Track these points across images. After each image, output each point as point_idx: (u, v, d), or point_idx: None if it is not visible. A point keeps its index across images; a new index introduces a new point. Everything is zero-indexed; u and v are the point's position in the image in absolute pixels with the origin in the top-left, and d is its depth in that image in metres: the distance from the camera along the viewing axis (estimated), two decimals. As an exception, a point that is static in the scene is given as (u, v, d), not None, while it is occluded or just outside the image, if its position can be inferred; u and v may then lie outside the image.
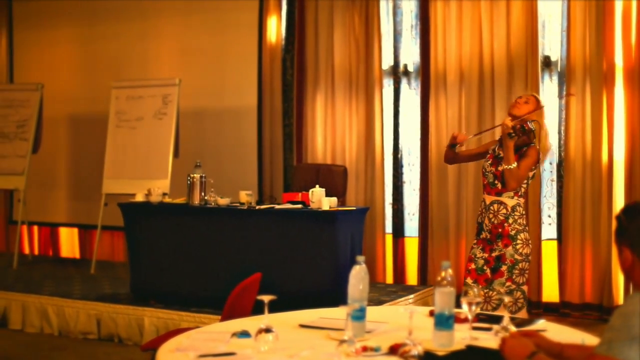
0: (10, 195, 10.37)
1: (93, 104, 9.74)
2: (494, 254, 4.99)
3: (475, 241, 5.15)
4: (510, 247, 4.95)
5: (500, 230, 4.98)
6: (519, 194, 5.01)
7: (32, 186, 9.60)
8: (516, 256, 4.94)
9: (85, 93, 9.91)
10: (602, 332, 2.42)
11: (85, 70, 10.01)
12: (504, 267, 4.96)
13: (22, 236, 9.92)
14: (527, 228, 5.05)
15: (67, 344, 6.79)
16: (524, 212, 5.05)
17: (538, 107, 5.09)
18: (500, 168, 4.99)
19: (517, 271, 4.95)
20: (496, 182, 5.02)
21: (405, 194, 8.50)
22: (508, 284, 4.95)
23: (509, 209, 4.97)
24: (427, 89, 8.25)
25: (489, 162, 5.10)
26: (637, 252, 2.46)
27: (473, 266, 5.07)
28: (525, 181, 5.03)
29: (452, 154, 5.33)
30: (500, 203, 5.00)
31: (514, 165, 4.90)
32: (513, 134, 4.90)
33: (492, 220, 5.01)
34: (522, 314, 4.96)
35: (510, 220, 4.97)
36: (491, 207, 5.02)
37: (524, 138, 4.99)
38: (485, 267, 5.01)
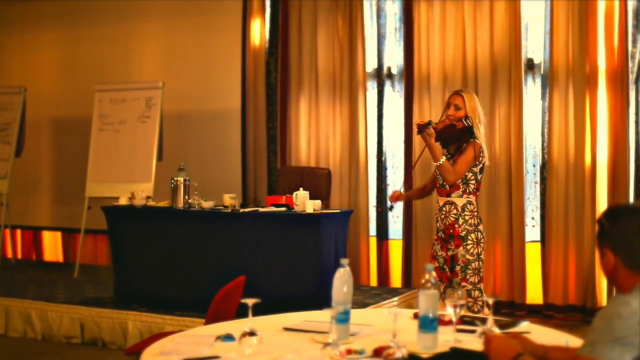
0: (-7, 199, 10.32)
1: (76, 107, 9.71)
2: (449, 254, 5.09)
3: (435, 237, 5.24)
4: (461, 248, 5.03)
5: (451, 231, 5.07)
6: (467, 191, 5.07)
7: (15, 190, 9.55)
8: (467, 256, 5.01)
9: (69, 96, 9.88)
10: (586, 334, 2.43)
11: (68, 73, 9.98)
12: (457, 268, 5.04)
13: (5, 240, 9.87)
14: (479, 227, 5.09)
15: (51, 348, 6.76)
16: (475, 211, 5.09)
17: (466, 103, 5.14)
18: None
19: (470, 271, 5.02)
20: (445, 183, 5.10)
21: (392, 191, 8.49)
22: (463, 284, 5.02)
23: (459, 209, 5.05)
24: (411, 91, 8.27)
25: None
26: (619, 254, 2.47)
27: (436, 264, 5.14)
28: (474, 177, 5.07)
29: (419, 195, 5.60)
30: (451, 204, 5.08)
31: (442, 160, 4.98)
32: (419, 130, 4.98)
33: (444, 221, 5.11)
34: (484, 314, 4.99)
35: (461, 221, 5.03)
36: (443, 208, 5.12)
37: (465, 136, 5.06)
38: (445, 267, 5.10)
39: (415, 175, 8.15)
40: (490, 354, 2.60)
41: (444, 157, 5.00)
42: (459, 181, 5.03)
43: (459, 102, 5.10)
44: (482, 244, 5.09)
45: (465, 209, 5.05)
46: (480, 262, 5.08)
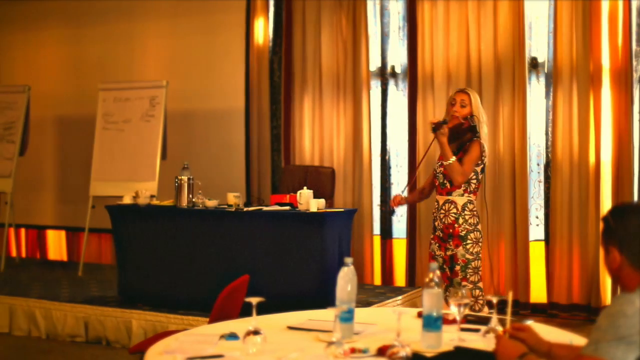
0: (-3, 198, 10.33)
1: (80, 106, 9.72)
2: (448, 253, 5.10)
3: (432, 236, 5.25)
4: (460, 247, 5.04)
5: (451, 230, 5.08)
6: (469, 190, 5.09)
7: (20, 189, 9.55)
8: (467, 255, 5.03)
9: (73, 95, 9.89)
10: (590, 333, 2.43)
11: (72, 72, 9.99)
12: (457, 267, 5.05)
13: (9, 239, 9.89)
14: (478, 226, 5.11)
15: (55, 347, 6.76)
16: (475, 210, 5.12)
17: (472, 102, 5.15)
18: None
19: (470, 270, 5.04)
20: (445, 182, 5.13)
21: (393, 195, 8.48)
22: (464, 283, 5.02)
23: (459, 208, 5.06)
24: (415, 90, 8.26)
25: (439, 163, 5.20)
26: (625, 253, 2.47)
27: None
28: (475, 177, 5.09)
29: (418, 198, 5.57)
30: (451, 202, 5.10)
31: (452, 159, 5.00)
32: (435, 129, 4.98)
33: (443, 220, 5.12)
34: (485, 312, 5.00)
35: (461, 221, 5.05)
36: (443, 207, 5.14)
37: (468, 135, 5.07)
38: (444, 266, 5.11)
39: (419, 173, 8.15)
40: (497, 354, 2.61)
41: (454, 157, 5.00)
42: None
43: (465, 99, 5.11)
44: (480, 243, 5.11)
45: (466, 208, 5.06)
46: (479, 261, 5.10)
